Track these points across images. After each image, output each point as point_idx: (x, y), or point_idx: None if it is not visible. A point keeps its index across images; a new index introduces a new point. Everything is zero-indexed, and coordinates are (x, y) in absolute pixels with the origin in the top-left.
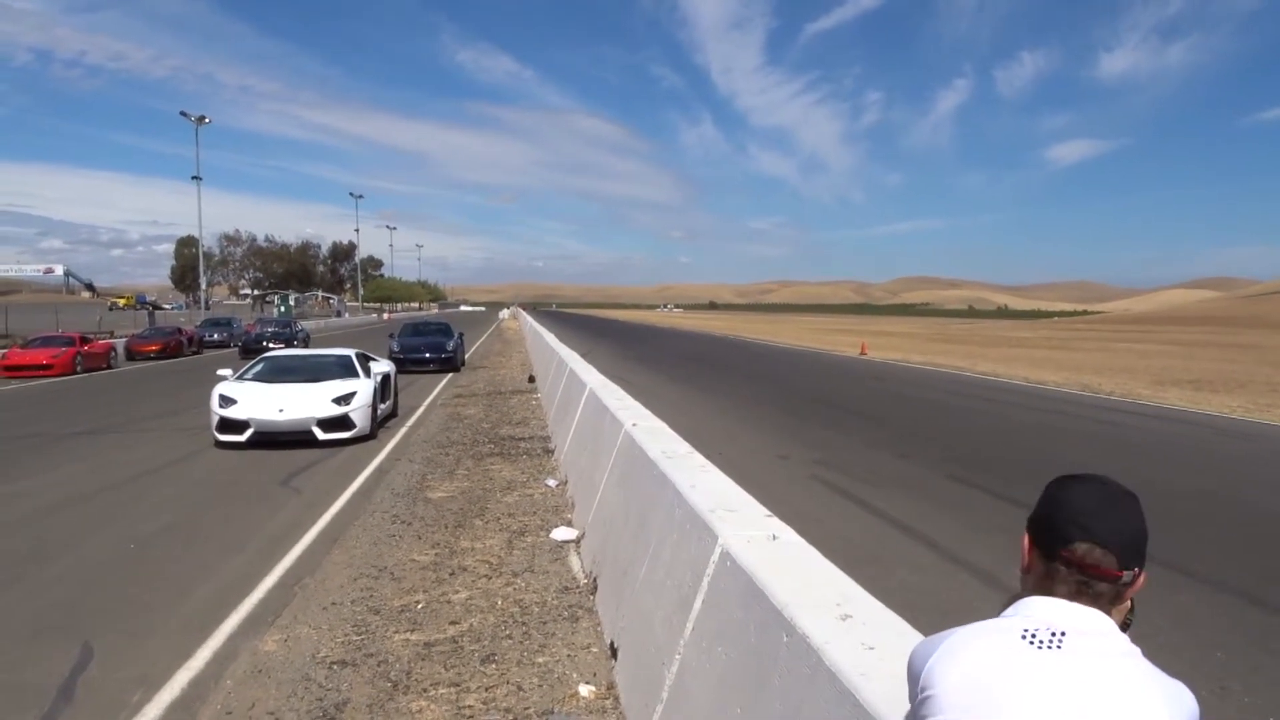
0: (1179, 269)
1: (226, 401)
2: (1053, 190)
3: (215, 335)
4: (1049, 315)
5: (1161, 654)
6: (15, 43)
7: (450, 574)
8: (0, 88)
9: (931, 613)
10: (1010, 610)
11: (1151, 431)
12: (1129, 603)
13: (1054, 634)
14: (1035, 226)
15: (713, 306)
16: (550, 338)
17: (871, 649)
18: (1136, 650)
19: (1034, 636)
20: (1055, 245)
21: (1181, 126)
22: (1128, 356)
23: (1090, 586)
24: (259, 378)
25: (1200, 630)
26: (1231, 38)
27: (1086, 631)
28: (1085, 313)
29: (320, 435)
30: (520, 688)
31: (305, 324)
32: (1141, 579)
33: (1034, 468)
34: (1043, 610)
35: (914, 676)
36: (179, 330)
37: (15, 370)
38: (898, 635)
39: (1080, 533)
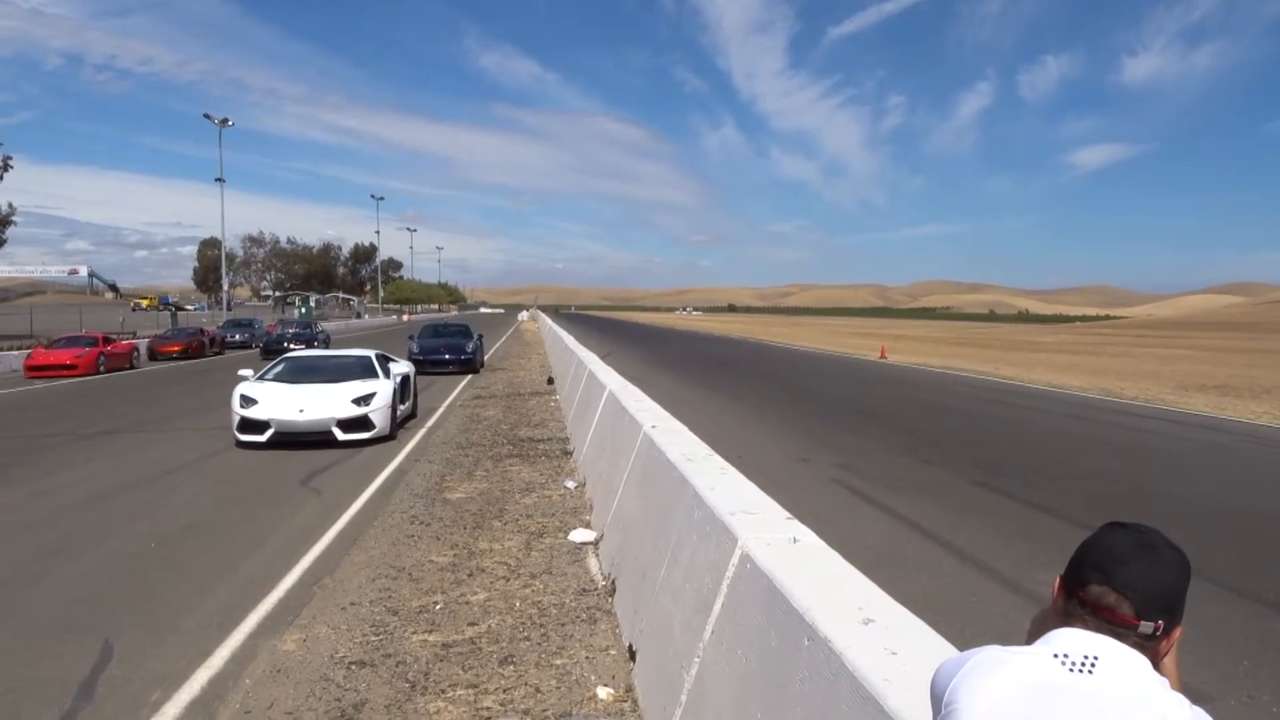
0: (1203, 274)
1: (247, 402)
2: (1076, 195)
3: (237, 336)
4: (1071, 320)
5: (1191, 663)
6: (47, 47)
7: (468, 575)
8: (31, 91)
9: (953, 618)
10: (1039, 641)
11: (1177, 438)
12: (1171, 666)
13: (1086, 658)
14: (1058, 231)
15: (731, 309)
16: (569, 340)
17: (895, 654)
18: (1166, 681)
19: (1066, 658)
20: (1078, 250)
21: (1206, 131)
22: (1151, 361)
23: (1109, 630)
24: (280, 378)
25: (1229, 639)
26: (1257, 43)
27: (1118, 661)
28: (1108, 317)
29: (340, 436)
30: (538, 689)
31: (326, 325)
32: (1175, 635)
33: (1058, 474)
34: (1074, 639)
35: (938, 693)
36: (201, 331)
37: (40, 370)
38: (921, 640)
39: (1097, 575)
